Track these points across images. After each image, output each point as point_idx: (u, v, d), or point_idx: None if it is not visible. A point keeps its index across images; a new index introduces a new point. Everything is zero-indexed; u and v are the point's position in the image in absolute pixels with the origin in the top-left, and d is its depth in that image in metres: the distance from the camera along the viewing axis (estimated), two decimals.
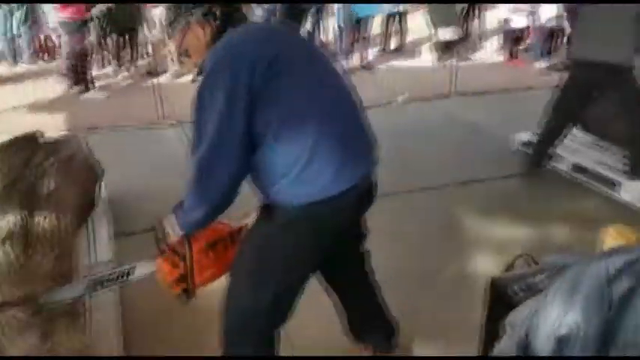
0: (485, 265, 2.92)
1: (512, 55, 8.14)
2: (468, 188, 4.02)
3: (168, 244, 1.77)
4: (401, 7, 8.24)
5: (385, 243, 3.07)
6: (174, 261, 1.76)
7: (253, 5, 6.86)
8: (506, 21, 8.04)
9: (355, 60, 7.79)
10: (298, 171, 1.59)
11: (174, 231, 1.74)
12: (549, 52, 8.26)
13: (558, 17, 7.66)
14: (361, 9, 7.39)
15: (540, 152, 4.15)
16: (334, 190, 1.61)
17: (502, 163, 4.37)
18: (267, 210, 1.72)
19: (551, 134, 4.06)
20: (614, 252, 1.56)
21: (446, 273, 2.97)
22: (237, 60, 1.58)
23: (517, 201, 3.81)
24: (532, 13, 7.78)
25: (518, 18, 7.87)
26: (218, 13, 1.72)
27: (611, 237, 1.75)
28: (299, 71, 1.65)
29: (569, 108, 3.95)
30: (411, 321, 2.40)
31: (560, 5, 7.46)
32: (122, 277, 1.83)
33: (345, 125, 1.70)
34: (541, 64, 7.83)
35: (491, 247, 3.16)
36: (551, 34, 8.12)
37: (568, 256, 1.77)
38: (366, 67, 7.74)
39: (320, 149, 1.59)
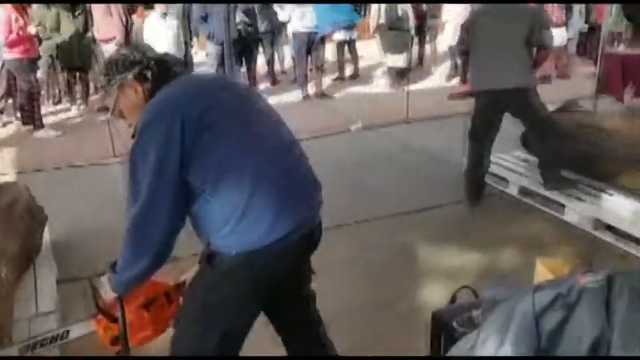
0: (438, 295, 2.93)
1: (464, 81, 8.34)
2: (424, 215, 4.06)
3: (104, 304, 1.74)
4: (350, 34, 8.41)
5: (339, 274, 3.09)
6: (108, 322, 1.73)
7: (207, 40, 6.91)
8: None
9: (311, 88, 7.87)
10: (236, 221, 1.60)
11: (108, 291, 1.72)
12: None
13: None
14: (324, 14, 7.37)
15: (473, 182, 4.23)
16: (272, 238, 1.62)
17: (458, 187, 4.44)
18: (210, 257, 1.71)
19: (475, 163, 4.18)
20: (542, 287, 1.59)
21: (398, 304, 2.97)
22: (168, 115, 1.59)
23: (470, 226, 3.86)
24: None
25: None
26: (153, 70, 1.74)
27: (543, 270, 1.79)
28: (235, 122, 1.67)
29: (483, 135, 4.08)
30: (362, 352, 2.40)
31: None
32: (58, 338, 1.79)
33: (284, 173, 1.71)
34: None
35: (444, 276, 3.18)
36: None
37: (504, 289, 1.80)
38: (323, 95, 7.82)
39: (257, 199, 1.61)
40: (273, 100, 7.89)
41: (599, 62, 6.31)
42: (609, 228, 3.58)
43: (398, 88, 7.89)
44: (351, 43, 8.52)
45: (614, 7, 8.71)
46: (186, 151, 1.57)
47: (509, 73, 3.77)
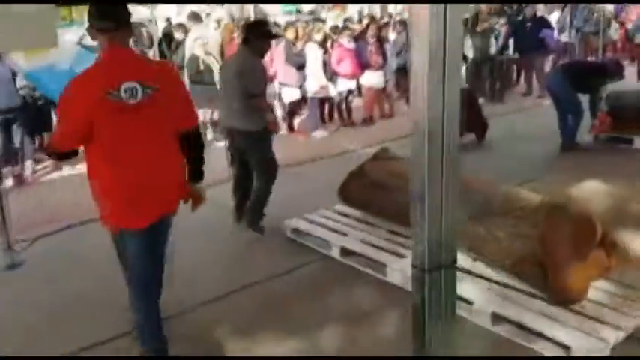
0: None
1: (291, 128, 8.09)
2: (236, 298, 3.50)
3: None
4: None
5: None
6: None
7: None
8: (279, 95, 7.98)
9: None
10: None
11: None
12: (324, 121, 8.41)
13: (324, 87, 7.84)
14: None
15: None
16: None
17: (278, 257, 3.99)
18: None
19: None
20: None
21: None
22: None
23: (290, 304, 3.38)
24: (300, 86, 7.85)
25: (289, 91, 7.86)
26: None
27: None
28: None
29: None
30: None
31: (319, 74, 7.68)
32: None
33: None
34: (321, 134, 7.90)
35: None
36: (323, 104, 8.29)
37: None
38: None
39: None
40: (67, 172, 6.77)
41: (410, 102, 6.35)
42: None
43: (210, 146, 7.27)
44: None
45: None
46: None
47: (236, 118, 4.17)
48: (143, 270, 2.59)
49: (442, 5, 1.33)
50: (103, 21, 2.42)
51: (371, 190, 4.03)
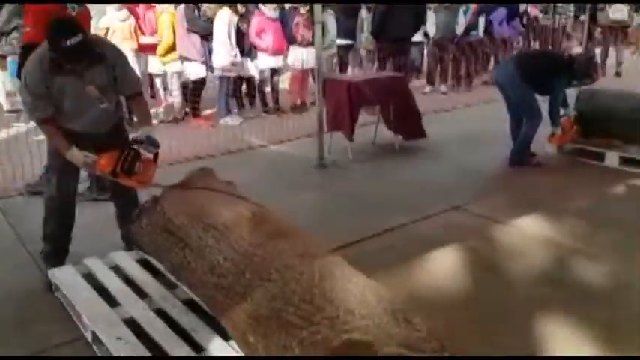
0: None
1: (195, 113, 6.57)
2: None
3: None
4: None
5: None
6: None
7: None
8: (180, 74, 6.46)
9: None
10: None
11: None
12: (241, 106, 6.90)
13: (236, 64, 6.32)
14: None
15: None
16: None
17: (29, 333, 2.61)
18: None
19: None
20: None
21: None
22: None
23: None
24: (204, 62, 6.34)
25: (194, 67, 6.35)
26: None
27: None
28: None
29: None
30: None
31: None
32: None
33: None
34: (232, 121, 6.43)
35: None
36: (238, 85, 6.78)
37: None
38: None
39: None
40: None
41: (318, 91, 4.86)
42: None
43: None
44: None
45: (365, 26, 7.61)
46: None
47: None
48: None
49: None
50: None
51: (162, 236, 2.59)
